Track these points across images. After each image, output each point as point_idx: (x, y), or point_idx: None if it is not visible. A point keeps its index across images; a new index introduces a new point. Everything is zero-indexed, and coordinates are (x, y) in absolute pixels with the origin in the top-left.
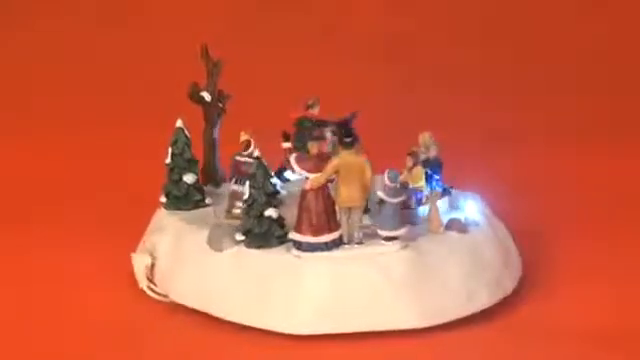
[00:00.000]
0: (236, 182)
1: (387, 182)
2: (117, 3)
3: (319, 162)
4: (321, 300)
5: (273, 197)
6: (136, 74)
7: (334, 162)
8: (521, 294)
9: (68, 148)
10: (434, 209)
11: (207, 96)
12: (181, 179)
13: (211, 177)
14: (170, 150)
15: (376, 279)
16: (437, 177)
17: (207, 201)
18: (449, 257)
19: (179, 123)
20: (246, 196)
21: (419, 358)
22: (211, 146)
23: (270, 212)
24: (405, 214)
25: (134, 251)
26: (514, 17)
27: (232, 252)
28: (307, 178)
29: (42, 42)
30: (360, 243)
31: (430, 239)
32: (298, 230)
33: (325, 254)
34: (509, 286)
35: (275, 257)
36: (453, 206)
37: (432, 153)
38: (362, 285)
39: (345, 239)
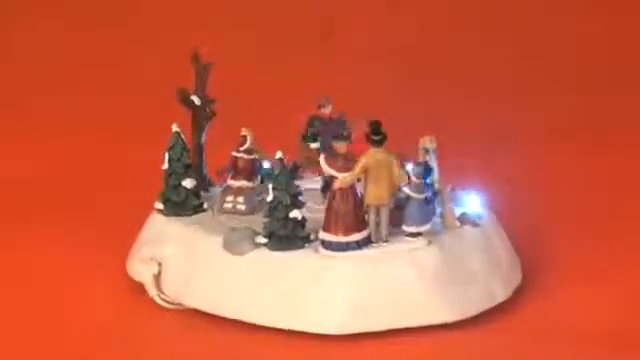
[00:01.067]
0: (232, 178)
1: (413, 178)
2: (117, 3)
3: (347, 161)
4: (355, 299)
5: (297, 198)
6: (136, 74)
7: (363, 161)
8: (521, 294)
9: (68, 148)
10: (447, 205)
11: (196, 100)
12: (180, 184)
13: (199, 182)
14: (167, 155)
15: (409, 276)
16: (426, 181)
17: (205, 206)
18: (469, 252)
19: (175, 127)
20: (270, 198)
21: (419, 358)
22: (199, 151)
23: (295, 213)
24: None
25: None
26: (514, 17)
27: (254, 255)
28: (336, 178)
29: (42, 42)
30: (387, 241)
31: (448, 234)
32: (328, 230)
33: (356, 253)
34: (515, 283)
35: (305, 258)
36: (456, 202)
37: (424, 157)
38: (395, 282)
39: (373, 237)
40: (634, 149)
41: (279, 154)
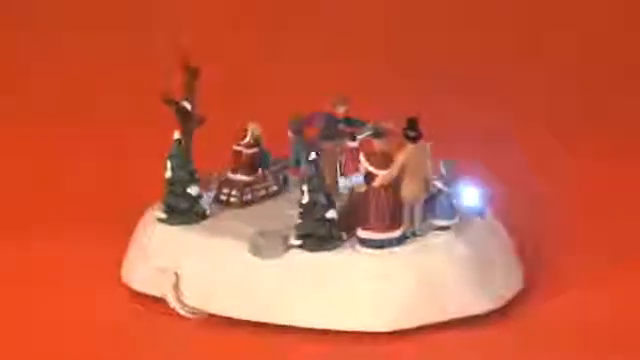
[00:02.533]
0: (231, 171)
1: (443, 172)
2: (117, 3)
3: (385, 159)
4: (401, 295)
5: (331, 198)
6: (136, 74)
7: (401, 158)
8: (521, 295)
9: (68, 149)
10: None
11: (188, 105)
12: (185, 192)
13: None
14: (169, 164)
15: (448, 269)
16: None
17: (207, 212)
18: (490, 244)
19: (177, 135)
20: (306, 199)
21: (419, 358)
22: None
23: (332, 214)
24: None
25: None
26: (514, 17)
27: (289, 258)
28: (375, 175)
29: (42, 42)
30: (420, 235)
31: (465, 227)
32: (367, 228)
33: (395, 249)
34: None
35: (347, 257)
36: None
37: None
38: (436, 276)
39: (408, 233)
40: (634, 149)
41: (313, 155)
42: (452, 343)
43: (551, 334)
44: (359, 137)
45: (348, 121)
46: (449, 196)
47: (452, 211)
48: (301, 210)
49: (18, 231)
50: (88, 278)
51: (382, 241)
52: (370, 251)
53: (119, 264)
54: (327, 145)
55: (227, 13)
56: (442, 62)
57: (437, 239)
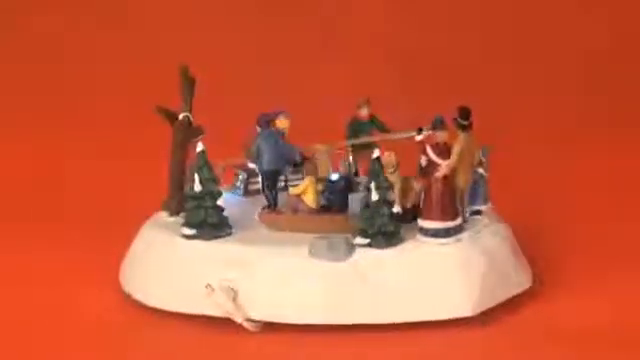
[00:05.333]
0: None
1: (482, 158)
2: (118, 3)
3: (445, 149)
4: (480, 278)
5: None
6: (136, 75)
7: (458, 147)
8: (521, 294)
9: (68, 149)
10: None
11: (190, 117)
12: (215, 206)
13: (182, 200)
14: (197, 177)
15: (503, 250)
16: None
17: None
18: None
19: (200, 146)
20: (375, 197)
21: (419, 357)
22: (182, 167)
23: (397, 209)
24: None
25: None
26: (514, 17)
27: (362, 257)
28: (438, 165)
29: (42, 42)
30: (467, 221)
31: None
32: (432, 218)
33: (459, 236)
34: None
35: (417, 250)
36: None
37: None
38: (497, 258)
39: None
40: (634, 149)
41: (376, 153)
42: (452, 342)
43: (550, 334)
44: (425, 131)
45: (373, 124)
46: (486, 181)
47: (487, 196)
48: (369, 208)
49: (18, 231)
50: (86, 279)
51: (447, 230)
52: (439, 240)
53: (116, 266)
54: (320, 146)
55: (227, 13)
56: (443, 62)
57: (482, 223)
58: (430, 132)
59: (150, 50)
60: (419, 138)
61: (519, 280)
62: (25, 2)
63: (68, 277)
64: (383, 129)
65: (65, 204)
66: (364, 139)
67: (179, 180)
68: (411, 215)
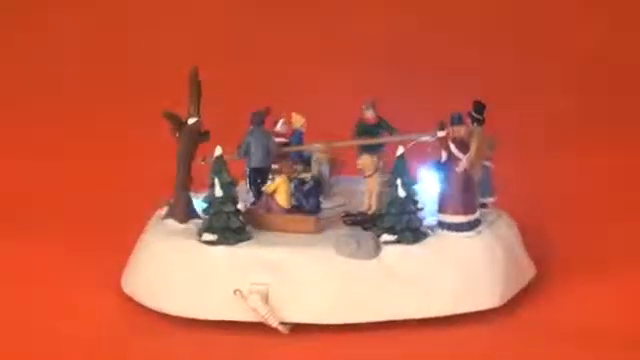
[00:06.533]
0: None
1: (489, 152)
2: (117, 3)
3: (464, 143)
4: (501, 269)
5: None
6: (137, 75)
7: (476, 141)
8: (520, 294)
9: (67, 149)
10: None
11: (196, 121)
12: (237, 210)
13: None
14: (217, 181)
15: (515, 241)
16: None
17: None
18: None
19: (219, 150)
20: (403, 194)
21: (419, 357)
22: (189, 171)
23: (422, 204)
24: None
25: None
26: (514, 17)
27: (386, 254)
28: (459, 160)
29: (42, 42)
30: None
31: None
32: (455, 212)
33: (479, 229)
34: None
35: (443, 244)
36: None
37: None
38: (511, 249)
39: None
40: (634, 149)
41: (401, 150)
42: (452, 342)
43: (550, 334)
44: (448, 127)
45: (381, 126)
46: (491, 173)
47: (493, 189)
48: (395, 205)
49: (18, 232)
50: (86, 280)
51: (470, 223)
52: (464, 234)
53: (115, 266)
54: (318, 145)
55: (227, 13)
56: (443, 62)
57: (493, 215)
58: (451, 128)
59: (150, 50)
60: (441, 134)
61: (530, 268)
62: (26, 2)
63: (68, 278)
64: (391, 131)
65: (65, 204)
66: (362, 141)
67: (186, 187)
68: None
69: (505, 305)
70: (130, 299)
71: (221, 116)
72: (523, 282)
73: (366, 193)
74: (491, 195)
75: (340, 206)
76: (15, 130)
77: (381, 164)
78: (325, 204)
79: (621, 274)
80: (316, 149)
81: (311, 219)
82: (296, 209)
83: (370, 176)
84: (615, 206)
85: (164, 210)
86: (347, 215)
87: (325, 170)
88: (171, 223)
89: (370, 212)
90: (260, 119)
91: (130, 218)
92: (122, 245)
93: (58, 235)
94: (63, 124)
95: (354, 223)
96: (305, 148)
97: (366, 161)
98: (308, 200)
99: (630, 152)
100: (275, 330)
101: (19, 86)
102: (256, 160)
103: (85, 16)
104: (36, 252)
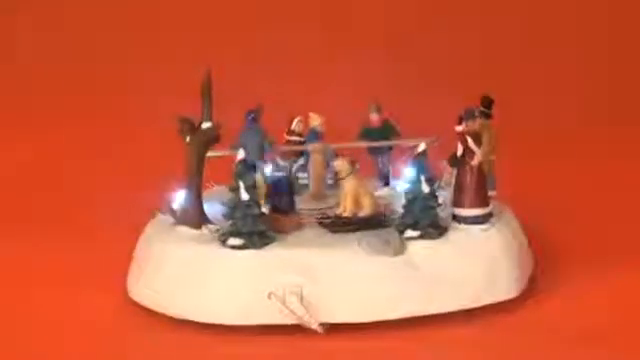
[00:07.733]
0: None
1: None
2: (119, 3)
3: (478, 137)
4: (517, 260)
5: None
6: (137, 74)
7: (488, 135)
8: (520, 294)
9: (67, 149)
10: None
11: (210, 125)
12: (262, 213)
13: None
14: (242, 184)
15: (522, 230)
16: None
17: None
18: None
19: (241, 154)
20: (427, 190)
21: (419, 357)
22: (201, 175)
23: (442, 199)
24: None
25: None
26: (513, 17)
27: (410, 250)
28: (473, 154)
29: (42, 42)
30: None
31: None
32: (472, 205)
33: (492, 221)
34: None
35: (466, 238)
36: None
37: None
38: (521, 238)
39: None
40: (634, 148)
41: (422, 146)
42: (452, 342)
43: (552, 332)
44: (466, 121)
45: (386, 130)
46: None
47: (494, 182)
48: (419, 201)
49: (18, 232)
50: (86, 281)
51: (485, 216)
52: (481, 227)
53: (116, 266)
54: (316, 145)
55: (227, 13)
56: (443, 62)
57: (498, 208)
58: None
59: (151, 50)
60: (459, 129)
61: (533, 258)
62: (27, 2)
63: (68, 278)
64: (396, 134)
65: (65, 204)
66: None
67: (200, 192)
68: (356, 226)
69: (505, 305)
70: (130, 299)
71: (221, 116)
72: (530, 271)
73: (341, 195)
74: (493, 189)
75: (320, 209)
76: (15, 130)
77: (357, 166)
78: (309, 205)
79: (620, 275)
80: (313, 149)
81: (285, 219)
82: (273, 209)
83: (344, 178)
84: (615, 206)
85: (159, 217)
86: (323, 217)
87: (320, 170)
88: (185, 230)
89: (345, 214)
90: (252, 116)
91: (130, 218)
92: (122, 245)
93: (58, 235)
94: (64, 124)
95: (333, 225)
96: (305, 148)
97: (341, 164)
98: (280, 200)
99: (630, 152)
100: (312, 331)
101: (19, 86)
102: (250, 157)
103: (85, 16)
104: (36, 252)
